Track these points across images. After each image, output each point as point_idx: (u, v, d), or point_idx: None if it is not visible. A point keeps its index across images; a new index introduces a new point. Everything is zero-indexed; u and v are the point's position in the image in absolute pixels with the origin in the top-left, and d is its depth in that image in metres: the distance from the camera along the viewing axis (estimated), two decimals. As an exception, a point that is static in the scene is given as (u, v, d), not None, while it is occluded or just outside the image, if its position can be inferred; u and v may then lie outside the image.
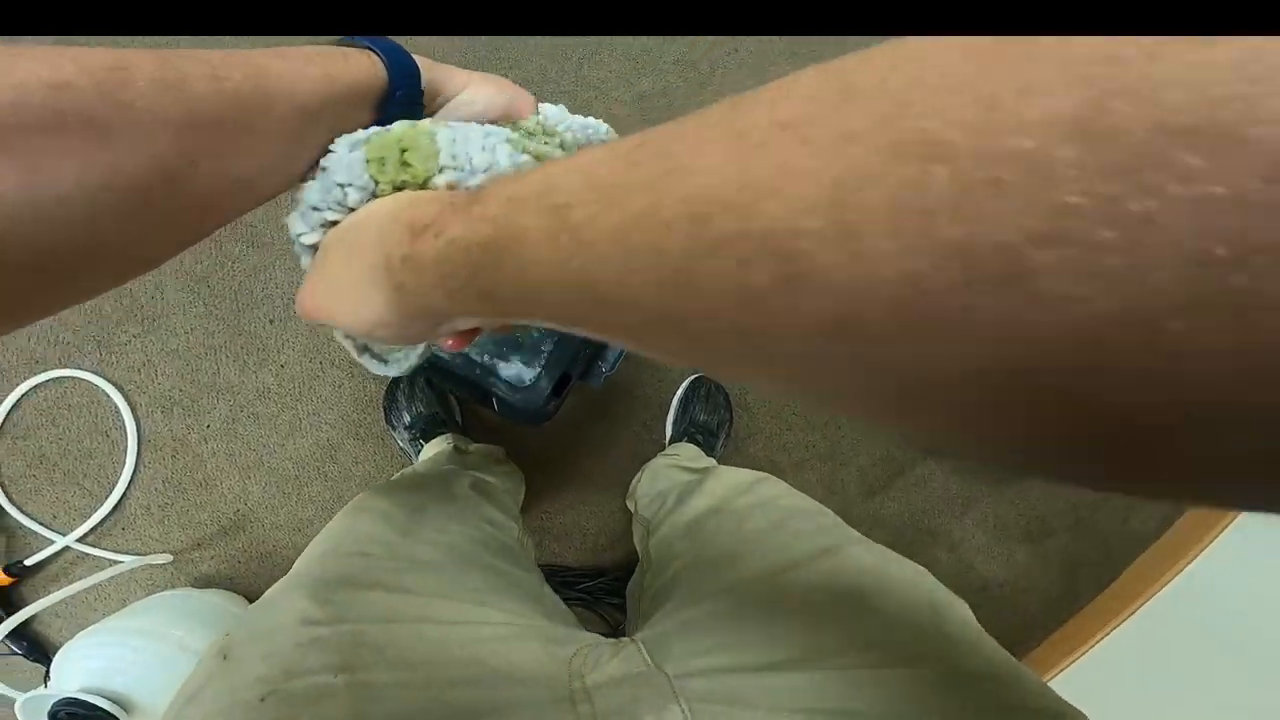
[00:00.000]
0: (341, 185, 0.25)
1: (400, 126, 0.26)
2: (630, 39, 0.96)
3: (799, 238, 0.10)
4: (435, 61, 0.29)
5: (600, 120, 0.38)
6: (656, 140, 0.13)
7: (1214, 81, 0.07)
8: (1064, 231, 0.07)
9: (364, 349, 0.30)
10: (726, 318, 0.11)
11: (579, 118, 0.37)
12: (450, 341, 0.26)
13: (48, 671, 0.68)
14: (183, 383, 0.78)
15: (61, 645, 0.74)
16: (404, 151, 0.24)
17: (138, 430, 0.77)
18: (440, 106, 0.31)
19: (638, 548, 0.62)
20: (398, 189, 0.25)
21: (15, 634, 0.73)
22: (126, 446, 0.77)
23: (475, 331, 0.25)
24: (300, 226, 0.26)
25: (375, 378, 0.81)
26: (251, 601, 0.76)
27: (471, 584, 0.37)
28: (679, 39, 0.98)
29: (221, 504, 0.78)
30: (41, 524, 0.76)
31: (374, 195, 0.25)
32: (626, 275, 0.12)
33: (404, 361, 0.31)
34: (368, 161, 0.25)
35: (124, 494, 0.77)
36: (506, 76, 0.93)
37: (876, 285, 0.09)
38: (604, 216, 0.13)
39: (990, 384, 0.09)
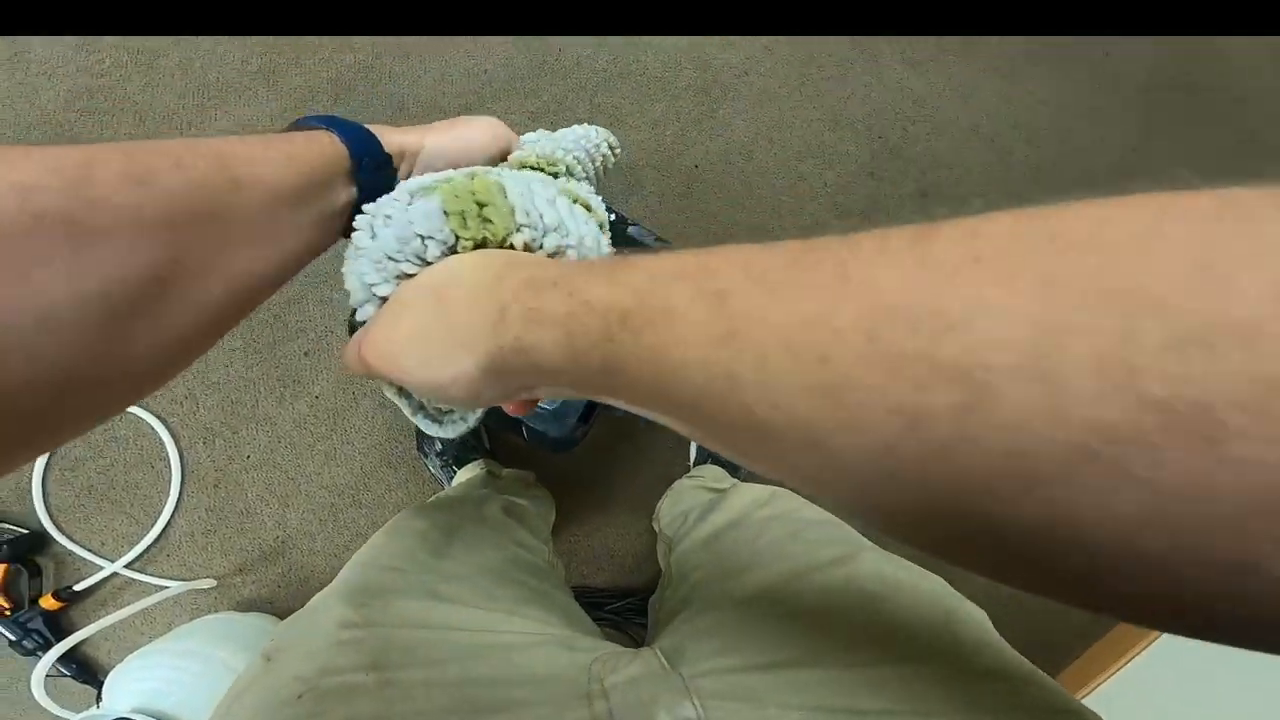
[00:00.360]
0: (422, 237, 0.24)
1: (464, 175, 0.26)
2: (642, 67, 0.99)
3: (989, 371, 0.10)
4: (388, 126, 0.30)
5: (587, 126, 0.39)
6: (826, 249, 0.13)
7: None
8: (1265, 401, 0.08)
9: (419, 408, 0.29)
10: (881, 437, 0.11)
11: (569, 132, 0.38)
12: (513, 406, 0.26)
13: (99, 693, 0.71)
14: (223, 414, 0.81)
15: (108, 667, 0.78)
16: (482, 207, 0.24)
17: (181, 461, 0.80)
18: (411, 165, 0.31)
19: (661, 564, 0.63)
20: (477, 245, 0.24)
21: (65, 656, 0.76)
22: (170, 477, 0.80)
23: (535, 400, 0.25)
24: (373, 276, 0.25)
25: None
26: (291, 625, 0.78)
27: (501, 596, 0.38)
28: (690, 65, 1.00)
29: (261, 531, 0.80)
30: (90, 551, 0.80)
31: (452, 250, 0.24)
32: (779, 375, 0.12)
33: (460, 424, 0.30)
34: (447, 214, 0.24)
35: (169, 522, 0.80)
36: (524, 105, 0.98)
37: (1064, 427, 0.09)
38: (768, 311, 0.13)
39: (1164, 532, 0.09)
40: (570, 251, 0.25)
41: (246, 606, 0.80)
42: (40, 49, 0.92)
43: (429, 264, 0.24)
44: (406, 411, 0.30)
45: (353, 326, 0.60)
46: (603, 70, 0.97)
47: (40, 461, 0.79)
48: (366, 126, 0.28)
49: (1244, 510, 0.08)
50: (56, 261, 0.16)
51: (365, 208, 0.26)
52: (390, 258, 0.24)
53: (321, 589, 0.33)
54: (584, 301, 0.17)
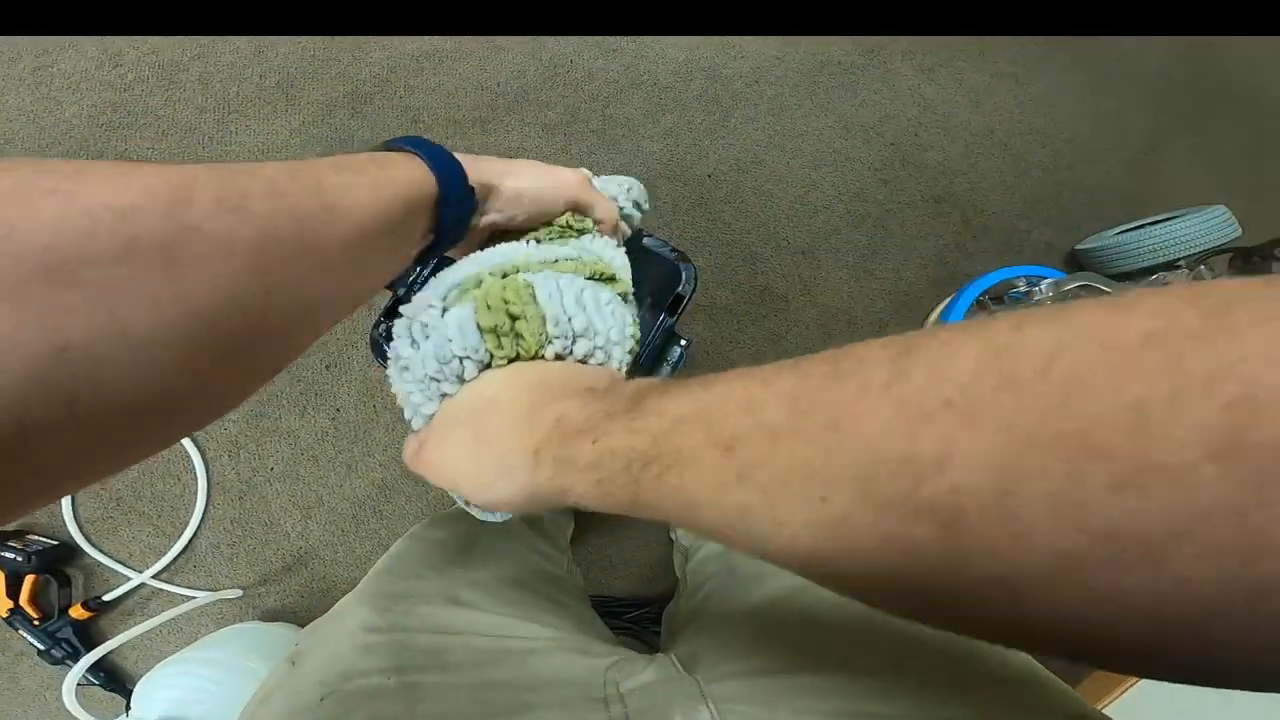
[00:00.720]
0: (460, 359, 0.25)
1: (496, 271, 0.27)
2: (653, 78, 0.99)
3: (962, 511, 0.11)
4: (473, 155, 0.29)
5: (627, 177, 0.38)
6: (818, 388, 0.14)
7: None
8: (1194, 531, 0.09)
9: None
10: (881, 565, 0.13)
11: (611, 180, 0.38)
12: None
13: (128, 701, 0.72)
14: (247, 428, 0.82)
15: (135, 675, 0.79)
16: (514, 320, 0.25)
17: (206, 473, 0.81)
18: (491, 204, 0.31)
19: (677, 573, 0.63)
20: (508, 359, 0.25)
21: (94, 665, 0.78)
22: (196, 489, 0.81)
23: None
24: (419, 398, 0.26)
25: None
26: (314, 633, 0.80)
27: (519, 603, 0.39)
28: (700, 75, 1.01)
29: (285, 542, 0.82)
30: (118, 561, 0.81)
31: (487, 365, 0.25)
32: (786, 513, 0.14)
33: (508, 513, 0.31)
34: (482, 333, 0.25)
35: (195, 533, 0.81)
36: (538, 117, 0.99)
37: (1029, 555, 0.11)
38: (771, 459, 0.14)
39: (1125, 634, 0.11)
40: (599, 352, 0.27)
41: (271, 616, 0.82)
42: (64, 63, 0.94)
43: (465, 381, 0.25)
44: (460, 503, 0.31)
45: (374, 341, 0.61)
46: (615, 81, 0.97)
47: (69, 474, 0.81)
48: (455, 156, 0.27)
49: (1192, 615, 0.10)
50: (148, 288, 0.15)
51: (403, 309, 0.27)
52: (433, 379, 0.25)
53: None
54: (609, 449, 0.18)
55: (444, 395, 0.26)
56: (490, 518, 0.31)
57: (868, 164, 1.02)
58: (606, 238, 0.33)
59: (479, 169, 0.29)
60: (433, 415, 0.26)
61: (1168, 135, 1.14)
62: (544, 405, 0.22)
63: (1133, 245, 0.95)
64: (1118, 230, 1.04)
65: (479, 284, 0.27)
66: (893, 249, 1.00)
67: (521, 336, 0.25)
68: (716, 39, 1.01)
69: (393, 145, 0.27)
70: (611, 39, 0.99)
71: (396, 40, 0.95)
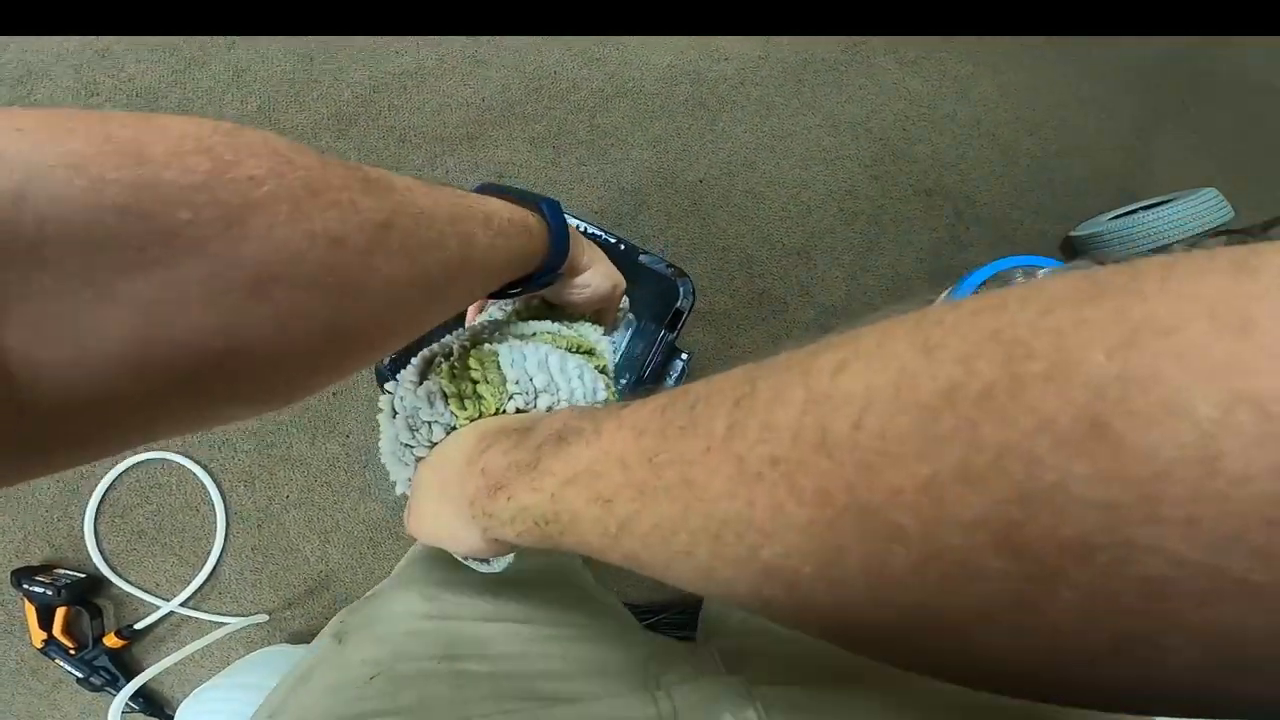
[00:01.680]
0: (429, 423, 0.27)
1: (463, 349, 0.29)
2: (638, 85, 0.99)
3: (799, 575, 0.12)
4: (574, 231, 0.31)
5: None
6: (675, 440, 0.15)
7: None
8: (995, 617, 0.10)
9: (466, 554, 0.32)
10: (749, 605, 0.14)
11: None
12: None
13: (170, 726, 0.76)
14: (260, 458, 0.84)
15: (170, 698, 0.83)
16: (476, 384, 0.27)
17: (224, 503, 0.84)
18: (569, 285, 0.33)
19: None
20: (471, 419, 0.27)
21: (134, 693, 0.81)
22: (216, 519, 0.84)
23: None
24: (396, 465, 0.29)
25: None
26: (341, 650, 0.83)
27: (556, 596, 0.39)
28: (685, 80, 1.00)
29: (305, 566, 0.85)
30: (145, 591, 0.84)
31: (453, 427, 0.27)
32: (663, 561, 0.15)
33: (503, 560, 0.33)
34: (446, 398, 0.27)
35: (218, 561, 0.84)
36: (525, 131, 1.00)
37: (858, 627, 0.12)
38: (641, 515, 0.15)
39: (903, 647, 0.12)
40: (562, 404, 0.28)
41: (298, 639, 0.85)
42: (40, 92, 0.93)
43: (434, 444, 0.28)
44: (458, 556, 0.32)
45: (379, 374, 0.62)
46: (599, 90, 0.96)
47: (90, 508, 0.83)
48: (567, 230, 0.30)
49: (1009, 683, 0.11)
50: (315, 316, 0.17)
51: (388, 387, 0.29)
52: (407, 445, 0.28)
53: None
54: (521, 507, 0.20)
55: (418, 459, 0.28)
56: (487, 569, 0.32)
57: (857, 160, 1.02)
58: (592, 324, 0.36)
59: (576, 248, 0.31)
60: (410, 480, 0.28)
61: (1156, 120, 1.14)
62: (477, 457, 0.24)
63: (1126, 230, 0.96)
64: (1111, 216, 1.04)
65: (447, 360, 0.29)
66: (887, 244, 1.00)
67: (483, 398, 0.27)
68: (699, 42, 1.00)
69: (535, 204, 0.29)
70: (594, 48, 0.97)
71: (377, 58, 0.94)
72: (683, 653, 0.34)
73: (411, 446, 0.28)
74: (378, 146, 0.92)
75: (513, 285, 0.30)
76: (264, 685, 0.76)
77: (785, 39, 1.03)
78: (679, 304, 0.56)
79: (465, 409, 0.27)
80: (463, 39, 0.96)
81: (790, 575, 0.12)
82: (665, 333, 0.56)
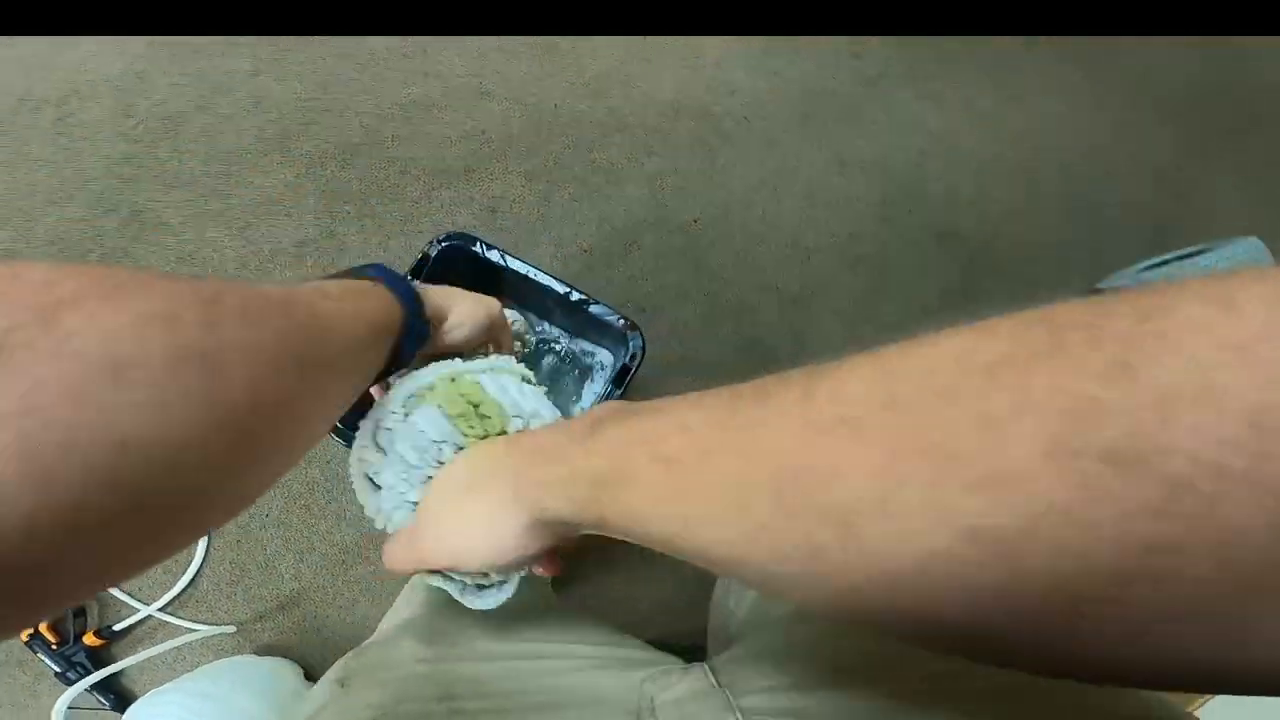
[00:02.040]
0: (437, 443, 0.29)
1: (443, 379, 0.31)
2: (639, 119, 0.98)
3: (856, 514, 0.13)
4: (421, 285, 0.32)
5: (512, 311, 0.42)
6: (745, 407, 0.16)
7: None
8: (1037, 529, 0.11)
9: (463, 587, 0.32)
10: (793, 565, 0.15)
11: (507, 311, 0.43)
12: (542, 569, 0.30)
13: (127, 725, 0.78)
14: (242, 475, 0.86)
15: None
16: (476, 406, 0.29)
17: (206, 516, 0.86)
18: (443, 331, 0.34)
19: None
20: (480, 438, 0.29)
21: (106, 688, 0.84)
22: (198, 531, 0.86)
23: (565, 564, 0.28)
24: (403, 487, 0.29)
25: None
26: (307, 669, 0.84)
27: (554, 624, 0.40)
28: (688, 115, 0.98)
29: (279, 583, 0.86)
30: (128, 595, 0.87)
31: (460, 447, 0.29)
32: (719, 522, 0.16)
33: (499, 595, 0.33)
34: (452, 419, 0.29)
35: (198, 572, 0.86)
36: (522, 165, 1.00)
37: (910, 552, 0.12)
38: (702, 473, 0.17)
39: (995, 628, 0.12)
40: (536, 424, 0.31)
41: (265, 651, 0.86)
42: (84, 114, 0.99)
43: (443, 464, 0.29)
44: (454, 593, 0.33)
45: (341, 434, 0.63)
46: (600, 124, 0.96)
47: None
48: (413, 287, 0.31)
49: (1042, 608, 0.11)
50: (190, 395, 0.16)
51: (361, 424, 0.31)
52: (414, 466, 0.29)
53: (334, 638, 0.35)
54: (575, 470, 0.22)
55: (428, 479, 0.29)
56: (483, 604, 0.33)
57: (866, 200, 0.98)
58: (508, 356, 0.38)
59: (432, 298, 0.33)
60: (416, 504, 0.30)
61: (1189, 146, 1.05)
62: (519, 449, 0.26)
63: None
64: (1141, 267, 0.96)
65: (432, 389, 0.31)
66: (892, 292, 0.96)
67: (488, 416, 0.29)
68: (707, 75, 0.98)
69: (362, 273, 0.30)
70: (598, 81, 0.97)
71: (386, 87, 0.97)
72: (679, 673, 0.35)
73: (419, 468, 0.29)
74: (379, 178, 0.94)
75: (395, 354, 0.30)
76: (222, 696, 0.77)
77: (796, 70, 1.00)
78: (624, 360, 0.54)
79: (474, 427, 0.29)
80: (468, 70, 0.98)
81: (845, 515, 0.13)
82: (613, 389, 0.54)
